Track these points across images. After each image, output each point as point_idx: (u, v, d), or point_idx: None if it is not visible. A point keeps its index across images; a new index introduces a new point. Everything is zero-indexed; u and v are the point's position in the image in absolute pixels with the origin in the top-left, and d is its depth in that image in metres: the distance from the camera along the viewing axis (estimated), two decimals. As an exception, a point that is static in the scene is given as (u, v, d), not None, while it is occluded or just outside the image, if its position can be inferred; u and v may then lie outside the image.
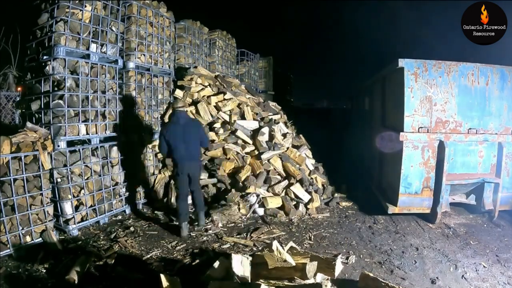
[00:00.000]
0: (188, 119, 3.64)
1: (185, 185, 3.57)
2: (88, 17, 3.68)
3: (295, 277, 1.96)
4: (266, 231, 3.64)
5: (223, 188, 4.47)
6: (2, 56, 6.82)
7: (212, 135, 4.86)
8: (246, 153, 4.84)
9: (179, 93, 5.21)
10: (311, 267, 1.97)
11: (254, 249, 3.20)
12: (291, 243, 2.56)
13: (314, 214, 4.23)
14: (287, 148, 4.97)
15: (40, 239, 3.10)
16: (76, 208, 3.58)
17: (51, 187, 3.32)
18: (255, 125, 5.13)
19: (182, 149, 3.44)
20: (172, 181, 4.55)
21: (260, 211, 4.14)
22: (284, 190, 4.43)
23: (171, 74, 5.27)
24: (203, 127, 4.16)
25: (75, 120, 3.58)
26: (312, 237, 3.54)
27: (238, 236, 3.52)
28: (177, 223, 3.64)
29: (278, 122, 5.61)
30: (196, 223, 3.73)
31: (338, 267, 2.17)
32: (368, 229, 3.80)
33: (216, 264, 2.24)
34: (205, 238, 3.47)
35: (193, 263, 2.89)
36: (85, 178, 3.66)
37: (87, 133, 3.71)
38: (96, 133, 3.80)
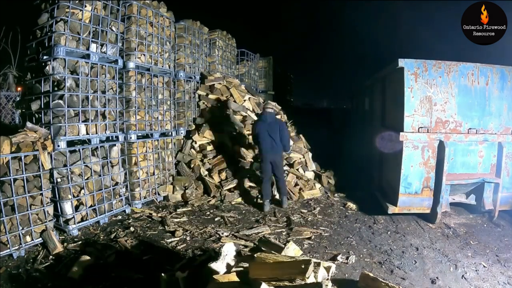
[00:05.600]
0: (274, 119, 4.51)
1: (267, 172, 4.42)
2: (88, 17, 3.68)
3: (295, 277, 1.95)
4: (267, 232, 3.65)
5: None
6: (2, 56, 6.82)
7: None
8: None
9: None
10: (311, 267, 1.96)
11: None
12: (291, 243, 2.56)
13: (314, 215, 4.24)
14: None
15: (40, 239, 3.10)
16: (76, 208, 3.58)
17: (51, 187, 3.31)
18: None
19: (267, 142, 4.33)
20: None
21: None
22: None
23: (171, 74, 5.27)
24: (285, 126, 4.72)
25: (75, 120, 3.58)
26: (312, 237, 3.54)
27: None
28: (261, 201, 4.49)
29: None
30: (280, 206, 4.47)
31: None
32: (368, 229, 3.80)
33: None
34: (205, 238, 3.48)
35: (194, 263, 2.89)
36: (85, 178, 3.66)
37: (87, 133, 3.71)
38: (96, 133, 3.80)
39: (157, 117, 4.91)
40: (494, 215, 3.95)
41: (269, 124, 4.34)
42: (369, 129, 5.65)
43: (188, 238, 3.46)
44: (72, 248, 3.15)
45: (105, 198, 3.89)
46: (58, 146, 3.40)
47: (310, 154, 5.70)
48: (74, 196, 3.54)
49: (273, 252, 2.32)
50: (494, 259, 3.05)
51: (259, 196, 4.65)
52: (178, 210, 4.39)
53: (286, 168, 5.23)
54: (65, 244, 3.23)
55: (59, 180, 3.45)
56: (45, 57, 3.45)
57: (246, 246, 3.26)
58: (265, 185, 4.43)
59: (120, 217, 4.09)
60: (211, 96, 5.90)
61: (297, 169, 5.30)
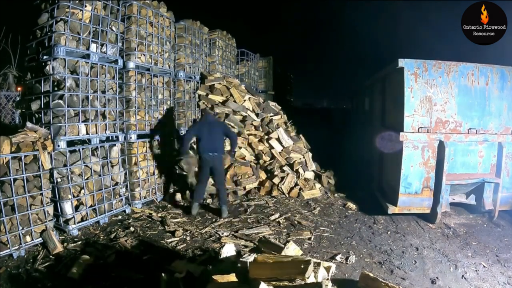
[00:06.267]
0: (216, 120, 4.29)
1: (205, 176, 4.17)
2: (88, 17, 3.68)
3: (295, 277, 1.96)
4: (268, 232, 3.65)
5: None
6: (2, 56, 6.82)
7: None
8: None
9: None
10: (311, 267, 1.96)
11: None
12: (291, 243, 2.56)
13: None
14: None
15: (40, 239, 3.10)
16: (76, 208, 3.57)
17: (51, 187, 3.31)
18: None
19: (207, 143, 4.00)
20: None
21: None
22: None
23: (171, 74, 5.27)
24: (228, 127, 4.57)
25: (75, 120, 3.58)
26: (312, 237, 3.54)
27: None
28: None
29: (279, 127, 5.62)
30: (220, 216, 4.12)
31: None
32: (368, 229, 3.80)
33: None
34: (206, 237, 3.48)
35: (194, 262, 2.89)
36: (85, 178, 3.65)
37: (87, 133, 3.71)
38: (96, 133, 3.80)
39: (157, 117, 4.91)
40: (494, 215, 3.95)
41: (210, 123, 4.07)
42: (369, 129, 5.65)
43: (188, 238, 3.46)
44: (72, 248, 3.15)
45: (105, 198, 3.89)
46: (58, 146, 3.40)
47: (310, 154, 5.70)
48: (74, 196, 3.54)
49: (273, 252, 2.32)
50: (494, 259, 3.05)
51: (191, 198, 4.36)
52: (178, 210, 4.39)
53: (286, 168, 5.23)
54: (65, 244, 3.23)
55: (59, 180, 3.44)
56: (45, 57, 3.45)
57: (246, 246, 3.26)
58: (201, 185, 4.18)
59: (120, 217, 4.09)
60: (211, 96, 5.90)
61: (297, 169, 5.29)
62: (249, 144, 5.50)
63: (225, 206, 4.13)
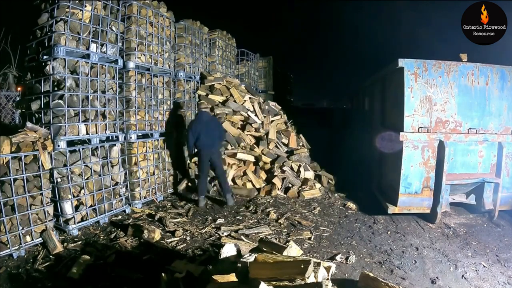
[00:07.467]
0: (210, 117, 4.72)
1: (205, 168, 4.57)
2: (88, 17, 3.68)
3: (295, 277, 1.95)
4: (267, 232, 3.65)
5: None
6: (2, 56, 6.82)
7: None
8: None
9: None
10: (311, 267, 1.96)
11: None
12: (291, 243, 2.56)
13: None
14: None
15: (40, 239, 3.10)
16: (76, 208, 3.57)
17: (51, 187, 3.31)
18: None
19: (205, 140, 4.40)
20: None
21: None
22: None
23: (171, 74, 5.27)
24: (220, 122, 5.11)
25: (75, 120, 3.58)
26: (312, 237, 3.54)
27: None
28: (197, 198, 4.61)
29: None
30: (225, 204, 4.53)
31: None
32: (368, 229, 3.80)
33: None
34: (206, 237, 3.47)
35: (194, 262, 2.89)
36: (85, 178, 3.65)
37: (87, 133, 3.71)
38: (96, 133, 3.80)
39: (157, 117, 4.91)
40: (494, 215, 3.94)
41: (205, 122, 4.46)
42: (369, 129, 5.65)
43: (188, 238, 3.46)
44: (72, 248, 3.15)
45: (105, 198, 3.89)
46: (58, 146, 3.40)
47: (309, 159, 5.71)
48: (74, 196, 3.54)
49: (273, 252, 2.32)
50: (494, 259, 3.05)
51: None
52: (178, 209, 4.39)
53: (286, 169, 5.23)
54: (65, 244, 3.23)
55: (59, 180, 3.44)
56: (45, 57, 3.45)
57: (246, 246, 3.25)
58: (202, 181, 4.58)
59: (120, 217, 4.09)
60: (211, 96, 5.90)
61: (297, 169, 5.29)
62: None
63: (229, 194, 4.52)
